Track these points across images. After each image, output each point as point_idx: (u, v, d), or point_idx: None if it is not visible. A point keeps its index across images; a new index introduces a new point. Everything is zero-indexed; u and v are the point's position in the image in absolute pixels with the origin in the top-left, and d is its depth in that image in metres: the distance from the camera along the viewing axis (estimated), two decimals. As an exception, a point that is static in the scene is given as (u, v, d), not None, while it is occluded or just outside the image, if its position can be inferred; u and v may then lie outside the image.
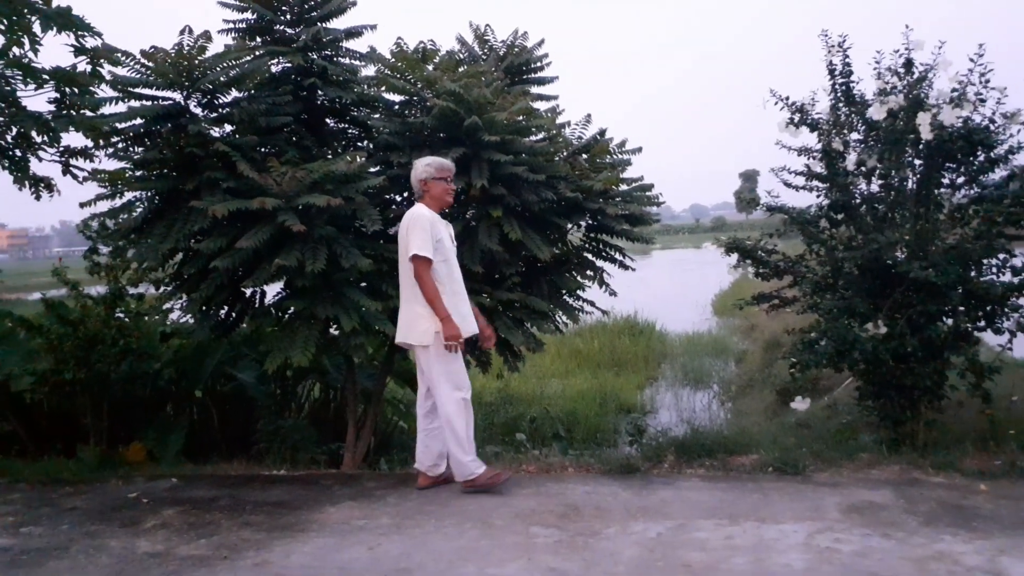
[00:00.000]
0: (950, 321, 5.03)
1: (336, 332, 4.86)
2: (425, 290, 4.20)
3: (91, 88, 5.12)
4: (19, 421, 5.81)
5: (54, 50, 5.22)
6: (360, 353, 4.84)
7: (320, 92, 5.22)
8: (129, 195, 4.94)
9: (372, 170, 4.93)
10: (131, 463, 5.34)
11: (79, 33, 4.94)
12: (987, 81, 5.00)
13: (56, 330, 5.49)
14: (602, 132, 5.66)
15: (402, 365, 6.02)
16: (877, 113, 5.08)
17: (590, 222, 5.53)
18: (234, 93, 4.98)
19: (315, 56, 5.07)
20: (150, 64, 4.63)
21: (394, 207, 5.32)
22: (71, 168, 5.54)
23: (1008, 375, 5.63)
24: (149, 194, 4.92)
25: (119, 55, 4.66)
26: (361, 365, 5.68)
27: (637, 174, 5.58)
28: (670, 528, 3.71)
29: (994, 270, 5.05)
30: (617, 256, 5.72)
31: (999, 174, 5.18)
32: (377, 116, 5.38)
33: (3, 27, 4.82)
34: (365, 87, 5.33)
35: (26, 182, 5.41)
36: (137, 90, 4.72)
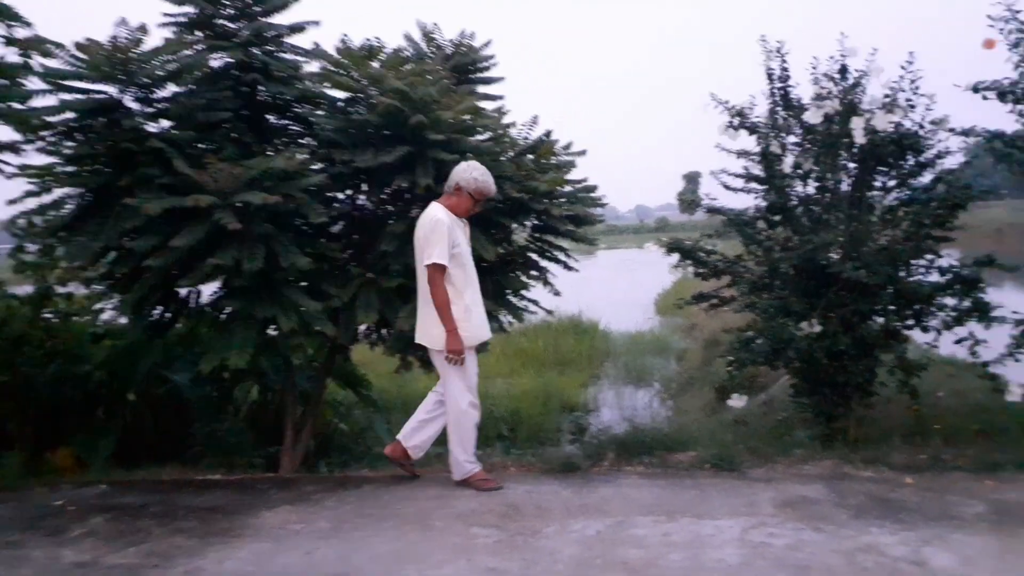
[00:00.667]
0: (881, 320, 5.20)
1: (275, 332, 4.77)
2: (437, 298, 4.23)
3: (20, 80, 4.92)
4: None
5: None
6: (299, 354, 4.76)
7: (261, 88, 5.11)
8: (59, 191, 4.76)
9: (315, 167, 4.86)
10: (58, 469, 5.15)
11: (8, 23, 4.75)
12: (917, 88, 5.19)
13: (-22, 331, 5.27)
14: (548, 133, 5.67)
15: (343, 366, 5.94)
16: (813, 117, 5.22)
17: (535, 222, 5.54)
18: (172, 88, 4.84)
19: (257, 51, 4.96)
20: (84, 56, 4.47)
21: (337, 204, 5.25)
22: (-2, 163, 5.31)
23: (934, 372, 5.84)
24: (80, 190, 4.75)
25: (51, 46, 4.50)
26: (301, 366, 5.58)
27: (582, 175, 5.63)
28: (609, 526, 3.74)
29: (922, 270, 5.24)
30: (561, 256, 5.74)
31: (927, 178, 5.38)
32: (320, 113, 5.30)
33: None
34: (308, 83, 5.24)
35: (-51, 177, 5.16)
36: (69, 83, 4.56)
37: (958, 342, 5.13)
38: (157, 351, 5.73)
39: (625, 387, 11.37)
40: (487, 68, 5.87)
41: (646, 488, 4.31)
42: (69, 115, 4.59)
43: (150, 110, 4.79)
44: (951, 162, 5.36)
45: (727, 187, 5.60)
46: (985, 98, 5.29)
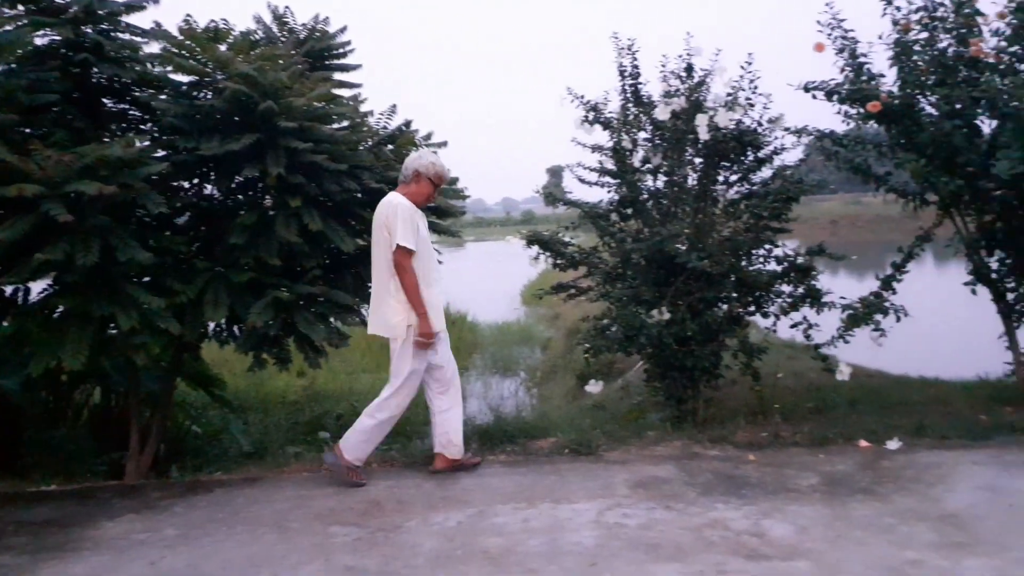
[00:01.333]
0: (725, 307, 5.51)
1: (115, 332, 4.46)
2: (406, 283, 4.15)
3: None
4: None
5: None
6: (142, 354, 4.47)
7: (95, 69, 4.76)
8: None
9: (156, 155, 4.57)
10: None
11: None
12: (756, 87, 5.52)
13: None
14: (407, 123, 5.61)
15: (193, 366, 5.64)
16: (662, 114, 5.45)
17: (396, 214, 5.46)
18: (-11, 67, 4.42)
19: (89, 29, 4.61)
20: None
21: (181, 194, 4.97)
22: None
23: (774, 355, 6.27)
24: None
25: None
26: (146, 367, 5.25)
27: (445, 167, 5.59)
28: (470, 516, 3.77)
29: (761, 260, 5.59)
30: (424, 248, 5.69)
31: (767, 173, 5.75)
32: (163, 97, 4.99)
33: None
34: (148, 66, 4.92)
35: None
36: None
37: (793, 326, 5.52)
38: (-22, 354, 5.23)
39: (492, 377, 11.48)
40: (343, 54, 5.73)
41: (507, 476, 4.37)
42: None
43: (-36, 91, 4.35)
44: (789, 158, 5.76)
45: (582, 180, 5.76)
46: (815, 97, 5.71)
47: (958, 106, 5.28)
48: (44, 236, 3.99)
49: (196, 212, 4.99)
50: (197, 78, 4.91)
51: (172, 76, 4.97)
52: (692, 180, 5.65)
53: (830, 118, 5.82)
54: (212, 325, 4.99)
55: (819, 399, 6.02)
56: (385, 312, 4.29)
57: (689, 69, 5.61)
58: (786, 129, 5.66)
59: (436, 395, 4.49)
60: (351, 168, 4.89)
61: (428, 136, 5.63)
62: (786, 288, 5.54)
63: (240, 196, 5.04)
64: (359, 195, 5.10)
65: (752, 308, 5.62)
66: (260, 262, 4.57)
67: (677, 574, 3.09)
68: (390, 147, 5.46)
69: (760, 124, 5.58)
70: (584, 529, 3.57)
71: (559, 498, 3.97)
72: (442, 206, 5.48)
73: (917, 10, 5.61)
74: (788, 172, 5.61)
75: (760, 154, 5.64)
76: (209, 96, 4.86)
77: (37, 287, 4.60)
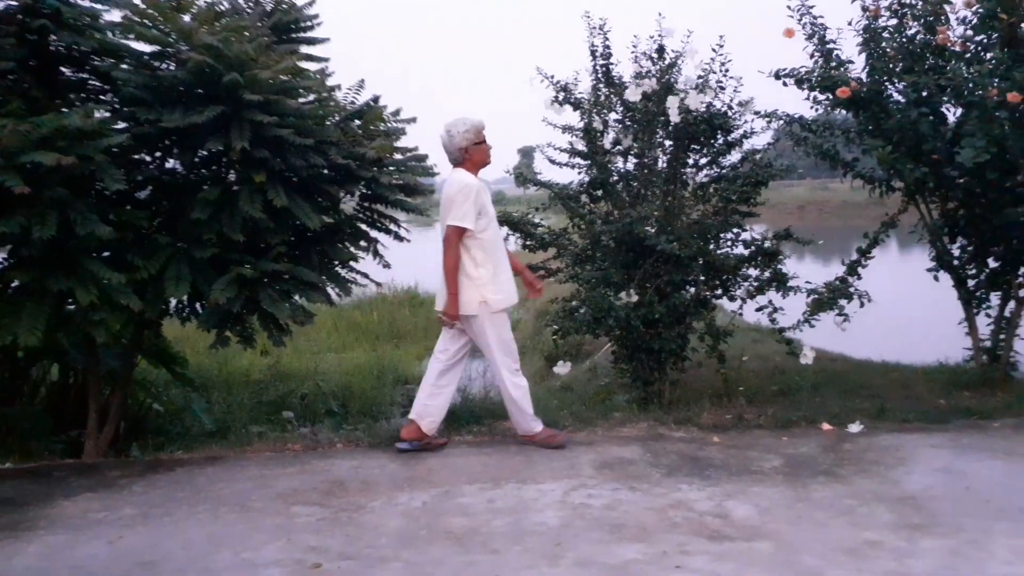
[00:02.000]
0: (692, 290, 5.54)
1: (73, 307, 4.36)
2: (447, 259, 4.25)
3: None
4: None
5: None
6: (101, 331, 4.37)
7: (53, 36, 4.60)
8: None
9: (117, 127, 4.45)
10: None
11: None
12: (727, 71, 5.52)
13: None
14: (376, 99, 5.51)
15: (154, 343, 5.54)
16: (633, 95, 5.43)
17: (364, 191, 5.39)
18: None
19: (46, -5, 4.45)
20: None
21: (143, 168, 4.85)
22: None
23: (740, 338, 6.33)
24: None
25: None
26: (105, 344, 5.14)
27: (414, 144, 5.53)
28: (435, 496, 3.76)
29: (729, 243, 5.62)
30: (392, 227, 5.63)
31: (736, 156, 5.76)
32: (124, 67, 4.85)
33: None
34: (109, 34, 4.77)
35: None
36: None
37: (759, 310, 5.56)
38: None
39: (460, 358, 11.45)
40: (311, 28, 5.61)
41: (474, 456, 4.37)
42: None
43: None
44: (759, 142, 5.78)
45: (553, 162, 5.73)
46: (785, 84, 5.72)
47: (925, 94, 5.34)
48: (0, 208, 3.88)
49: (158, 186, 4.87)
50: (159, 48, 4.77)
51: (133, 45, 4.83)
52: (662, 162, 5.66)
53: (799, 103, 5.86)
54: (174, 302, 4.89)
55: (783, 382, 6.10)
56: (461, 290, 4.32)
57: (660, 50, 5.59)
58: (756, 113, 5.67)
59: (440, 366, 4.53)
60: (317, 143, 4.79)
61: (397, 112, 5.54)
62: (753, 272, 5.58)
63: (203, 170, 4.93)
64: (325, 171, 5.01)
65: (719, 291, 5.66)
66: (223, 238, 4.48)
67: (640, 554, 3.11)
68: (358, 122, 5.37)
69: (730, 107, 5.58)
70: (549, 509, 3.58)
71: (524, 479, 3.97)
72: (409, 183, 5.41)
73: (887, -4, 5.64)
74: (757, 156, 5.64)
75: (730, 137, 5.65)
76: (172, 67, 4.74)
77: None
